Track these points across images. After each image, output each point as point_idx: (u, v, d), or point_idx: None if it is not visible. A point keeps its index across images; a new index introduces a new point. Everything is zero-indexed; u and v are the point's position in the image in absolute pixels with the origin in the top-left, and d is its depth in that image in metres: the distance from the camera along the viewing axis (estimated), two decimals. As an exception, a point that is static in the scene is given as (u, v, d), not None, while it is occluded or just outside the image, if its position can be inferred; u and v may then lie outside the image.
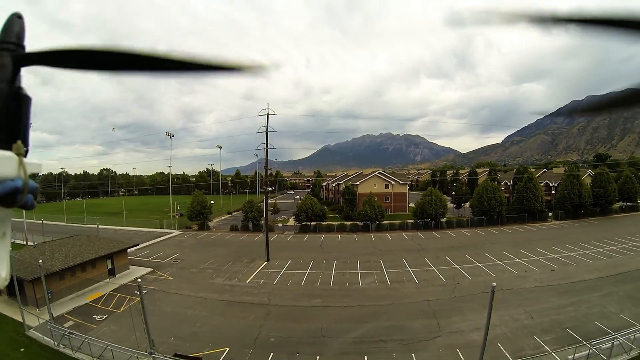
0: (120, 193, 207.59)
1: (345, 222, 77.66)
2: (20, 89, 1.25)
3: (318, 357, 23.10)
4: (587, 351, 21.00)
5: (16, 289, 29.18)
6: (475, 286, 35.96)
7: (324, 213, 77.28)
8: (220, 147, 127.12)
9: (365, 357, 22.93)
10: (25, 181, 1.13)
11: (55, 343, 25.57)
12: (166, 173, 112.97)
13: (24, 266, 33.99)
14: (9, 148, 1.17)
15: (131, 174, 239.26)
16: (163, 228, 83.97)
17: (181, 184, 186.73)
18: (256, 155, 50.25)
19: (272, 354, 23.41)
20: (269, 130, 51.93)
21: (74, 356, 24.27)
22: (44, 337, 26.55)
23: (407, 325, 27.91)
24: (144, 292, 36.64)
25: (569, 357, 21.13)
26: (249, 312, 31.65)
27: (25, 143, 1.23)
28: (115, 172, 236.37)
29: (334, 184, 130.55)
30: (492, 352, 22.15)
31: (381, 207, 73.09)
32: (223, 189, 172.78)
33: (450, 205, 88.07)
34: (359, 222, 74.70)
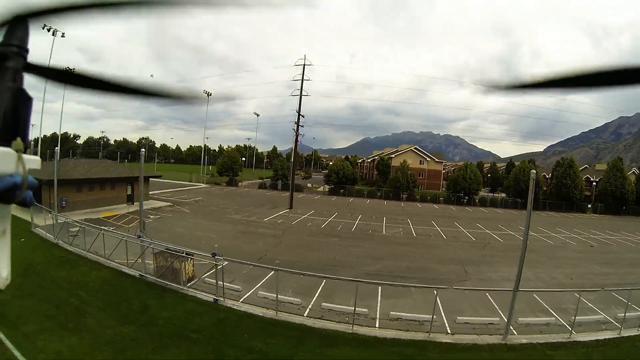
0: (157, 161, 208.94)
1: (376, 190, 75.32)
2: (22, 90, 1.24)
3: (324, 281, 20.61)
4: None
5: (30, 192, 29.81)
6: (508, 247, 32.92)
7: (355, 177, 75.59)
8: (257, 115, 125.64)
9: (379, 288, 20.37)
10: (24, 177, 1.13)
11: (55, 237, 25.85)
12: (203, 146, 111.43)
13: (45, 174, 33.22)
14: (8, 145, 1.15)
15: (169, 145, 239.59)
16: (192, 182, 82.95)
17: (217, 155, 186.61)
18: (293, 129, 49.73)
19: (272, 271, 21.07)
20: (304, 79, 51.77)
21: (68, 248, 24.00)
22: (47, 234, 27.09)
23: (431, 267, 25.33)
24: (158, 216, 35.90)
25: (619, 314, 18.20)
26: (260, 239, 29.99)
27: (25, 140, 1.21)
28: (153, 141, 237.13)
29: (368, 160, 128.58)
30: (528, 300, 19.31)
31: (413, 176, 70.83)
32: (259, 164, 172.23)
33: (484, 194, 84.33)
34: (389, 191, 72.19)
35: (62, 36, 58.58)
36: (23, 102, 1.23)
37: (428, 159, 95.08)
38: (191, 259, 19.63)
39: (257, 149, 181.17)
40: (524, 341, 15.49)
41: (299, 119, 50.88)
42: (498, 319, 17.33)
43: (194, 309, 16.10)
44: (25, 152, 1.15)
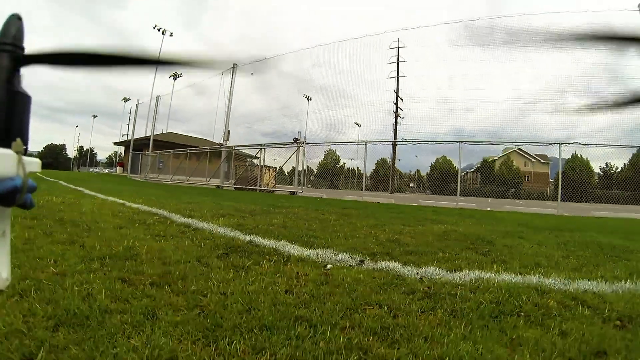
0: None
1: (480, 188, 71.81)
2: (19, 88, 1.17)
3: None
4: None
5: (130, 159, 37.76)
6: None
7: (456, 172, 73.74)
8: (359, 125, 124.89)
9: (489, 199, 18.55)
10: (24, 179, 1.05)
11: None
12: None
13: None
14: (8, 146, 1.08)
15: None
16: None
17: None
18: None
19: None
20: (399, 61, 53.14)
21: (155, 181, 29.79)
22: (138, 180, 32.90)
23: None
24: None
25: None
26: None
27: (25, 141, 1.14)
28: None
29: (471, 171, 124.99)
30: None
31: (519, 170, 67.82)
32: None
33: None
34: (493, 190, 68.42)
35: (170, 35, 57.99)
36: (21, 101, 1.13)
37: (533, 160, 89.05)
38: (273, 170, 19.38)
39: (358, 169, 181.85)
40: None
41: (397, 99, 52.90)
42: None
43: (264, 195, 16.06)
44: (25, 154, 1.06)
